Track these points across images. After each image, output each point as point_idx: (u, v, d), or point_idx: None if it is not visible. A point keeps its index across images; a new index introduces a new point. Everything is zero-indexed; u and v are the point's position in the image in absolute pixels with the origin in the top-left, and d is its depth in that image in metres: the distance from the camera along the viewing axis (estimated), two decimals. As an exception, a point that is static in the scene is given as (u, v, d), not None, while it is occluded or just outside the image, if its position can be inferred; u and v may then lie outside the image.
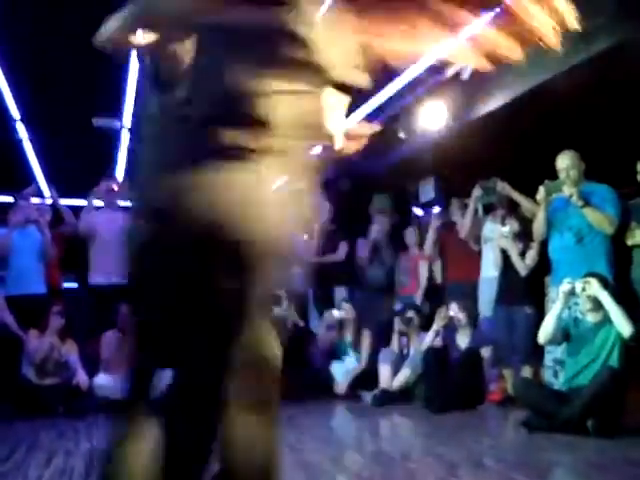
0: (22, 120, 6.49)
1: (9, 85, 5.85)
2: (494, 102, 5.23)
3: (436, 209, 6.41)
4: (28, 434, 4.08)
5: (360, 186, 7.10)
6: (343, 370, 5.48)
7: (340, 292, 6.19)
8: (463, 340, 4.88)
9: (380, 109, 6.18)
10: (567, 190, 4.32)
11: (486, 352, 4.78)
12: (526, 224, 4.84)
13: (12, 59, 5.32)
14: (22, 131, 6.68)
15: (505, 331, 4.79)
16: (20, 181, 6.32)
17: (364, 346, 5.57)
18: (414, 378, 4.98)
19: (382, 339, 5.45)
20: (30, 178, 7.00)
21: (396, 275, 6.06)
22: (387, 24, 1.43)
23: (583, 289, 3.79)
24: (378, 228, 6.14)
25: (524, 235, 4.85)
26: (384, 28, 1.42)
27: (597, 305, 3.75)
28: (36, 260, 5.54)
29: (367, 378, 5.30)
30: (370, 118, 6.38)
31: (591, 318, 3.80)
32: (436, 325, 4.98)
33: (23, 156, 7.23)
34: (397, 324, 5.28)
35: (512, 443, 3.60)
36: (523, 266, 4.80)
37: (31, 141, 6.84)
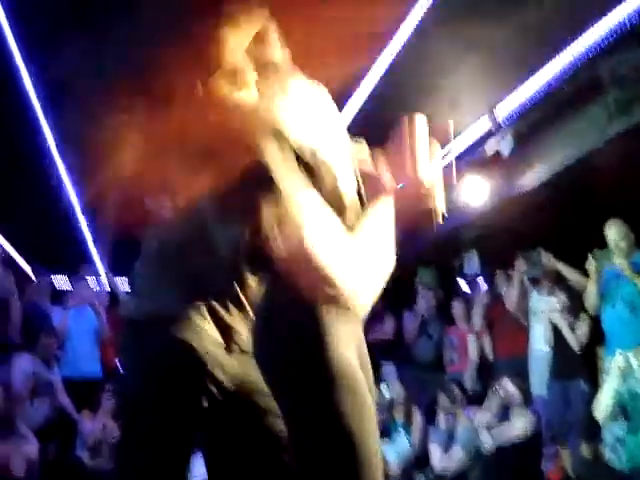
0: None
1: (69, 172, 6.22)
2: (536, 175, 5.28)
3: (482, 282, 6.38)
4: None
5: (404, 260, 7.12)
6: (394, 451, 5.35)
7: (388, 369, 6.13)
8: (518, 418, 4.75)
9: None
10: (617, 261, 4.30)
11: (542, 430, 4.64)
12: (574, 295, 4.77)
13: (71, 148, 5.66)
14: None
15: (560, 407, 4.63)
16: (77, 262, 6.57)
17: (415, 425, 5.43)
18: (466, 457, 4.84)
19: (432, 417, 5.33)
20: (86, 259, 7.26)
21: (444, 351, 5.99)
22: None
23: (638, 361, 3.69)
24: (425, 302, 6.12)
25: (573, 307, 4.77)
26: None
27: (655, 378, 3.64)
28: (92, 341, 5.68)
29: (419, 458, 5.17)
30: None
31: (649, 392, 3.68)
32: (489, 402, 4.86)
33: (81, 237, 7.54)
34: (442, 401, 5.17)
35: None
36: (575, 339, 4.69)
37: (88, 224, 7.15)
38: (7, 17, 4.29)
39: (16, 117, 5.13)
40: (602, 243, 4.49)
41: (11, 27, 4.36)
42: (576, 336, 4.71)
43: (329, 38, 1.30)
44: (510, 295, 5.39)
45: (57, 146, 5.74)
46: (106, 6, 1.23)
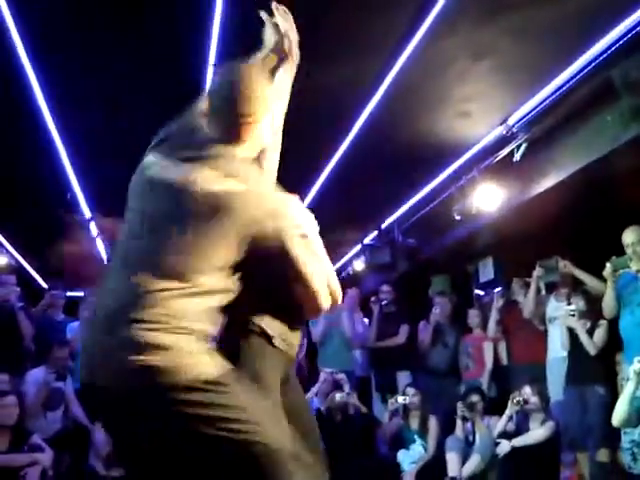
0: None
1: (84, 193, 6.28)
2: (548, 181, 5.26)
3: (497, 289, 6.33)
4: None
5: (418, 268, 7.11)
6: (410, 459, 5.29)
7: (403, 377, 6.08)
8: (536, 424, 4.69)
9: (435, 192, 6.29)
10: (634, 266, 4.27)
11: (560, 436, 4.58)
12: (591, 301, 4.73)
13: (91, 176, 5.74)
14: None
15: (578, 413, 4.56)
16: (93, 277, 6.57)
17: (431, 433, 5.38)
18: (484, 465, 4.77)
19: (449, 425, 5.27)
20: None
21: (460, 358, 5.94)
22: None
23: (657, 367, 3.63)
24: (439, 310, 6.08)
25: (590, 313, 4.72)
26: None
27: (673, 383, 3.57)
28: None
29: (435, 466, 5.10)
30: (425, 202, 6.50)
31: (668, 397, 3.62)
32: (509, 410, 4.80)
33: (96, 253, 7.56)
34: (460, 409, 5.10)
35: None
36: (592, 345, 4.64)
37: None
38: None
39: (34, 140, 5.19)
40: (619, 249, 4.45)
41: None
42: (593, 341, 4.66)
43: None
44: (527, 302, 5.35)
45: (72, 164, 5.79)
46: None
